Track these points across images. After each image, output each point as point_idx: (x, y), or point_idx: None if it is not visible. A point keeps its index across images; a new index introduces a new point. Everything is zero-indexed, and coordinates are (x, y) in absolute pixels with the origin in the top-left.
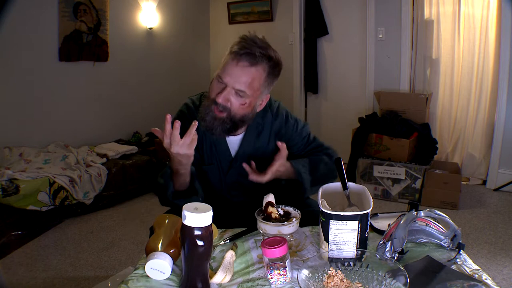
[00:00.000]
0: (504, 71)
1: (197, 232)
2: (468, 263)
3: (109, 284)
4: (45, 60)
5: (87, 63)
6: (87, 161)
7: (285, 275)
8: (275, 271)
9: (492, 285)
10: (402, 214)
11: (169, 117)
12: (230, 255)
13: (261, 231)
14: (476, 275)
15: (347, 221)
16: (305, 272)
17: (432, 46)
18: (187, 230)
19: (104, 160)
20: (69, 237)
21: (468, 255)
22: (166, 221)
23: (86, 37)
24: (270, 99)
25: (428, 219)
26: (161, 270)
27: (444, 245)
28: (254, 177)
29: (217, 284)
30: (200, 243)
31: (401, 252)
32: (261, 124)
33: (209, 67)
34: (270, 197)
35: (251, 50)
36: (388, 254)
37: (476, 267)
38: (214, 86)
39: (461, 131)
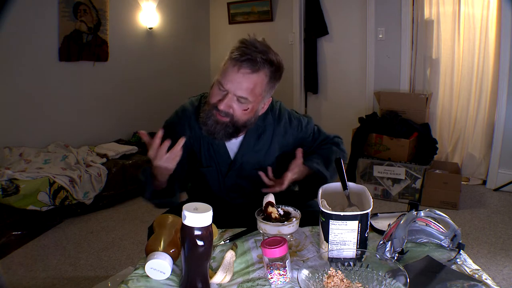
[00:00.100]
0: (504, 71)
1: (197, 232)
2: (468, 263)
3: (109, 284)
4: (45, 60)
5: (87, 63)
6: (87, 161)
7: (285, 275)
8: (275, 271)
9: (492, 285)
10: (402, 214)
11: (160, 133)
12: (230, 255)
13: (261, 231)
14: (476, 275)
15: (347, 221)
16: (305, 272)
17: (432, 46)
18: (187, 230)
19: (104, 160)
20: (69, 237)
21: (468, 255)
22: (166, 221)
23: (86, 37)
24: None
25: (428, 219)
26: (161, 270)
27: (444, 245)
28: (271, 189)
29: (217, 284)
30: (200, 243)
31: (401, 252)
32: (261, 127)
33: (209, 67)
34: (270, 197)
35: (252, 56)
36: (388, 254)
37: (476, 267)
38: (215, 92)
39: (461, 131)
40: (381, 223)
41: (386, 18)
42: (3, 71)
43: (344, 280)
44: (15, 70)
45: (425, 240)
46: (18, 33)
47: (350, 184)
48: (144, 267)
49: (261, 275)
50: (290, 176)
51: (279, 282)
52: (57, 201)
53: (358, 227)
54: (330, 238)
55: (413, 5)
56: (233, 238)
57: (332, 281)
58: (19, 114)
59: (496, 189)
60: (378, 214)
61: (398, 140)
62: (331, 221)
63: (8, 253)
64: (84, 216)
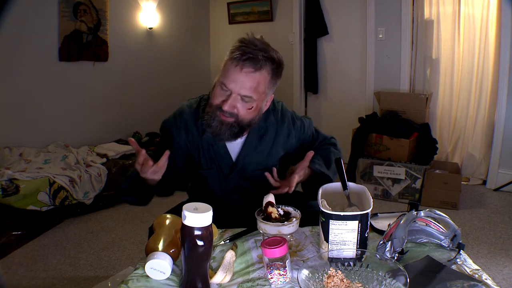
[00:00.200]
0: (504, 71)
1: (197, 232)
2: (468, 263)
3: (109, 284)
4: (45, 60)
5: (87, 63)
6: (87, 161)
7: (285, 275)
8: (275, 271)
9: (492, 285)
10: (402, 214)
11: (144, 152)
12: (230, 255)
13: (261, 231)
14: (476, 275)
15: (347, 221)
16: (305, 272)
17: (432, 46)
18: (187, 230)
19: (104, 160)
20: (69, 237)
21: (468, 255)
22: (166, 221)
23: (86, 37)
24: (272, 100)
25: (428, 219)
26: (161, 270)
27: (444, 245)
28: (279, 191)
29: (217, 284)
30: (200, 243)
31: (401, 252)
32: (263, 127)
33: (209, 67)
34: (270, 197)
35: (253, 55)
36: (388, 254)
37: (476, 267)
38: (217, 93)
39: (461, 131)
40: (381, 223)
41: (386, 18)
42: (3, 71)
43: (344, 280)
44: (15, 70)
45: (425, 240)
46: (18, 33)
47: (350, 184)
48: (144, 267)
49: (261, 275)
50: (297, 178)
51: (279, 282)
52: (57, 201)
53: (358, 227)
54: (330, 238)
55: (413, 5)
56: (233, 238)
57: (332, 281)
58: (19, 114)
59: (496, 189)
60: (378, 214)
61: (398, 140)
62: (331, 221)
63: (8, 253)
64: (84, 216)
